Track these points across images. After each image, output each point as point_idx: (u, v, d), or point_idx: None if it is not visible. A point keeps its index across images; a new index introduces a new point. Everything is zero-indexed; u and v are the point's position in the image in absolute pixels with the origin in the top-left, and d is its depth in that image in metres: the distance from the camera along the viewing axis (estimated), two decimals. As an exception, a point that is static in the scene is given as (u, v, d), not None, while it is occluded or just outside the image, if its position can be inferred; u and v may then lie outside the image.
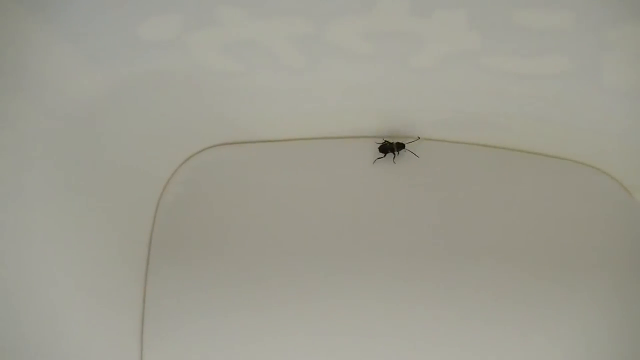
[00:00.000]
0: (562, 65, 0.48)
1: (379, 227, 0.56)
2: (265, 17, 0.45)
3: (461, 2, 0.43)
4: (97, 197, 0.50)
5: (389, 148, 0.56)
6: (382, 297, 0.54)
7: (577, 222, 0.56)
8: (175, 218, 0.56)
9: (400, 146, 0.56)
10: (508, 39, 0.46)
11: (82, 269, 0.49)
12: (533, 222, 0.56)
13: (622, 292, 0.54)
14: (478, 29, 0.45)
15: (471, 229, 0.56)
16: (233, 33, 0.46)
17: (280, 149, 0.57)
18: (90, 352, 0.49)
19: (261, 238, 0.56)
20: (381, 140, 0.57)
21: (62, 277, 0.48)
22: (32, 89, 0.43)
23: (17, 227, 0.44)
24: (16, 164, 0.43)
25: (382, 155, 0.56)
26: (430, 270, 0.55)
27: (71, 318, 0.48)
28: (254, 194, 0.57)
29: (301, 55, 0.48)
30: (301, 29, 0.45)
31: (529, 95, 0.51)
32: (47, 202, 0.46)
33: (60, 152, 0.46)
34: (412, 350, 0.53)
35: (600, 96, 0.50)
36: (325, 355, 0.54)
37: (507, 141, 0.57)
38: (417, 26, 0.45)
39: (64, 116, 0.45)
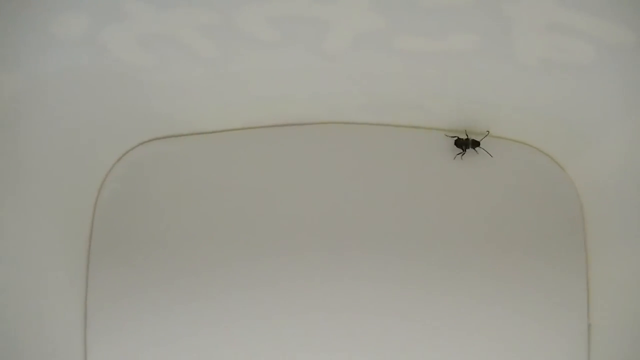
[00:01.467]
0: (473, 43, 0.48)
1: (313, 214, 0.57)
2: (171, 9, 0.46)
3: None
4: (34, 196, 0.52)
5: (464, 144, 0.56)
6: (322, 283, 0.55)
7: (511, 198, 0.56)
8: (114, 214, 0.57)
9: (475, 144, 0.56)
10: (414, 20, 0.46)
11: (20, 266, 0.50)
12: (469, 200, 0.56)
13: (557, 263, 0.55)
14: (382, 10, 0.46)
15: (405, 210, 0.56)
16: (143, 26, 0.46)
17: (214, 140, 0.58)
18: (31, 350, 0.50)
19: (201, 229, 0.57)
20: (452, 135, 0.56)
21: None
22: None
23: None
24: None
25: (460, 151, 0.56)
26: (374, 252, 0.56)
27: (9, 315, 0.49)
28: (191, 186, 0.57)
29: (213, 45, 0.48)
30: (208, 19, 0.46)
31: (447, 75, 0.51)
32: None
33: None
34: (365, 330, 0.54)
35: (517, 71, 0.50)
36: (270, 343, 0.55)
37: (434, 122, 0.57)
38: (322, 10, 0.46)
39: None
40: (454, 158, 0.57)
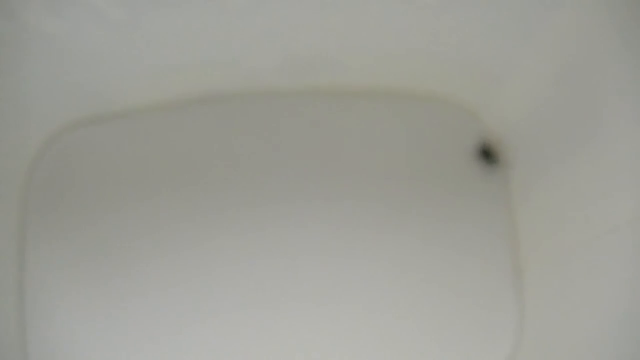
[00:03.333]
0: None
1: (247, 181, 0.58)
2: None
3: None
4: None
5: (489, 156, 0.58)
6: (269, 241, 0.57)
7: (430, 149, 0.59)
8: (47, 194, 0.58)
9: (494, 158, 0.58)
10: None
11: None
12: (384, 163, 0.59)
13: (481, 207, 0.58)
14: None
15: (336, 171, 0.59)
16: None
17: (137, 121, 0.59)
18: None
19: (132, 206, 0.58)
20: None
21: None
22: None
23: None
24: None
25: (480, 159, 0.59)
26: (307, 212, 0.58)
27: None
28: (121, 161, 0.59)
29: (121, 6, 0.49)
30: None
31: (359, 27, 0.53)
32: None
33: None
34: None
35: (421, 12, 0.51)
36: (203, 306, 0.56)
37: (354, 80, 0.59)
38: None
39: None
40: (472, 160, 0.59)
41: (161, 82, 0.57)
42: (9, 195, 0.57)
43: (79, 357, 0.55)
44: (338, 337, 0.55)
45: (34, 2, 0.48)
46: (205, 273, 0.56)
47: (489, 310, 0.56)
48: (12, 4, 0.48)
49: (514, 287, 0.56)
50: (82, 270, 0.57)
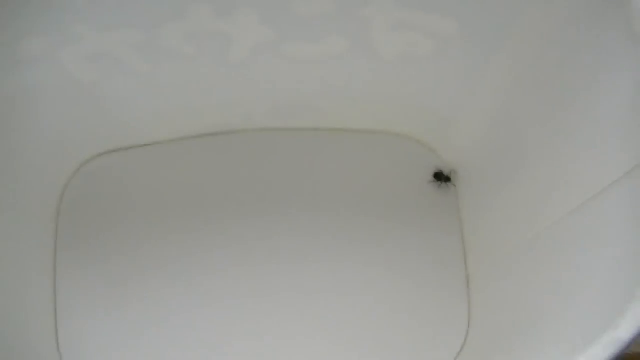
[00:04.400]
0: (343, 46, 0.61)
1: (253, 211, 0.69)
2: (108, 31, 0.58)
3: (251, 1, 0.58)
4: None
5: (441, 177, 0.68)
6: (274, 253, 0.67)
7: (393, 176, 0.70)
8: (76, 216, 0.68)
9: (448, 179, 0.68)
10: (294, 28, 0.59)
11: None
12: (362, 184, 0.70)
13: (434, 229, 0.68)
14: (268, 23, 0.59)
15: (314, 196, 0.69)
16: (90, 46, 0.59)
17: (155, 151, 0.71)
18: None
19: (154, 220, 0.68)
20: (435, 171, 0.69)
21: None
22: None
23: None
24: None
25: (436, 182, 0.69)
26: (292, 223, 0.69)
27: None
28: (142, 187, 0.69)
29: (144, 60, 0.61)
30: (139, 37, 0.59)
31: (330, 77, 0.64)
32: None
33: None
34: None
35: (383, 66, 0.63)
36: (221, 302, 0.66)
37: (333, 122, 0.70)
38: (224, 26, 0.59)
39: None
40: (428, 183, 0.69)
41: (173, 120, 0.68)
42: (44, 216, 0.67)
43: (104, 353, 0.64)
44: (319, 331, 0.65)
45: (76, 56, 0.60)
46: (209, 276, 0.66)
47: (442, 311, 0.65)
48: (62, 60, 0.59)
49: (465, 291, 0.66)
50: (106, 284, 0.66)
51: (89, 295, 0.66)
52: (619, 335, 0.37)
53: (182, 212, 0.69)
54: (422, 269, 0.67)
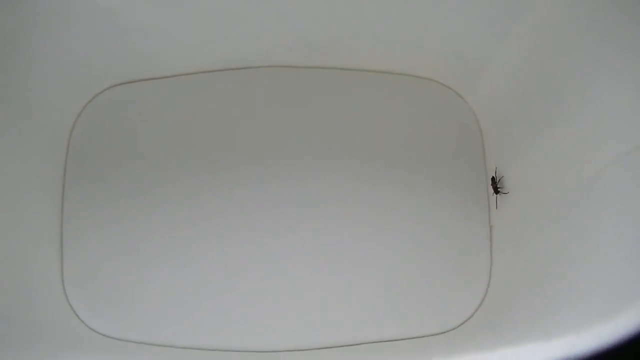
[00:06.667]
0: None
1: (260, 145, 0.67)
2: None
3: None
4: (14, 127, 0.60)
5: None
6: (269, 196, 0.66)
7: (420, 126, 0.68)
8: (87, 145, 0.67)
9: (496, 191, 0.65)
10: None
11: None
12: (384, 129, 0.68)
13: (460, 176, 0.67)
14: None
15: (343, 135, 0.67)
16: None
17: (169, 84, 0.68)
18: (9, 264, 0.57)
19: (167, 155, 0.67)
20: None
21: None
22: None
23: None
24: None
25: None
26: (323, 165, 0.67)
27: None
28: (156, 120, 0.67)
29: None
30: None
31: (362, 16, 0.62)
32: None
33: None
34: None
35: (414, 7, 0.61)
36: (235, 243, 0.64)
37: (357, 62, 0.68)
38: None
39: None
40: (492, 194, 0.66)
41: (194, 52, 0.66)
42: (57, 144, 0.66)
43: (109, 289, 0.63)
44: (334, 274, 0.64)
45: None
46: (218, 214, 0.65)
47: (464, 259, 0.64)
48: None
49: (488, 240, 0.65)
50: (113, 208, 0.65)
51: (95, 232, 0.64)
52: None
53: (195, 148, 0.67)
54: (445, 216, 0.65)
